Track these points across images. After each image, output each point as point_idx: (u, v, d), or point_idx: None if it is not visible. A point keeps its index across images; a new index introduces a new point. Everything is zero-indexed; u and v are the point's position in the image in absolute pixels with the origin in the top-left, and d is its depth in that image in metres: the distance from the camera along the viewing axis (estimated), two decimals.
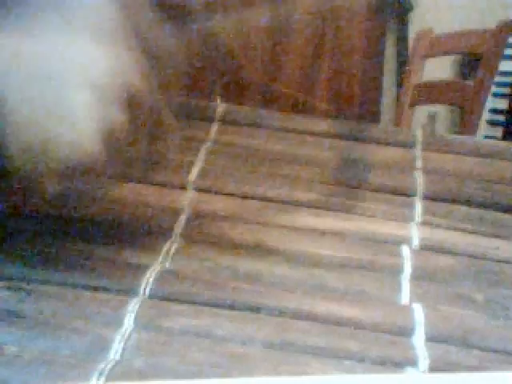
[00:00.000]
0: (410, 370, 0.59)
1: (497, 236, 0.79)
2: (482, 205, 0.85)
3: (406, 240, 0.77)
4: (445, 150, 0.93)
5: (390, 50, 2.08)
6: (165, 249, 0.72)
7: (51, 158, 0.64)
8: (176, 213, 0.78)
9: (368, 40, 1.75)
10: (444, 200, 0.85)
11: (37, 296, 0.63)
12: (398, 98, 1.83)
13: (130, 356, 0.58)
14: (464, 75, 2.13)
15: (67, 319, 0.61)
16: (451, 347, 0.62)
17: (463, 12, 2.13)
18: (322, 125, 0.96)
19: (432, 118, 2.06)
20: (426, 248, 0.77)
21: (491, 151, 0.94)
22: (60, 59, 0.62)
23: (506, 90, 2.11)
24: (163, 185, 0.83)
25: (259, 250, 0.74)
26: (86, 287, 0.65)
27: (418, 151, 0.93)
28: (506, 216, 0.83)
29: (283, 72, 1.74)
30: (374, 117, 1.77)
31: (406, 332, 0.63)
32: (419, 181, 0.87)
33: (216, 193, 0.82)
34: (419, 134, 0.96)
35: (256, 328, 0.62)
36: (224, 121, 0.95)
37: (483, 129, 2.11)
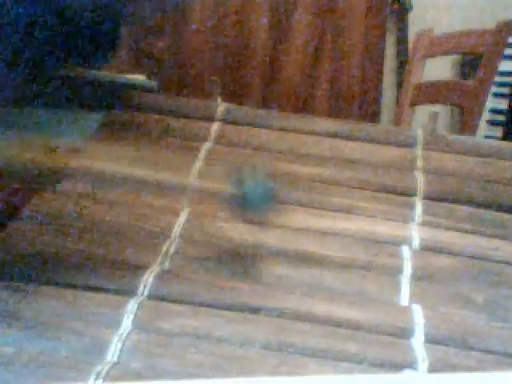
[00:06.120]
0: (408, 372, 0.59)
1: (497, 236, 0.79)
2: (483, 205, 0.84)
3: (406, 240, 0.77)
4: (445, 149, 0.93)
5: (390, 50, 2.07)
6: (164, 249, 0.71)
7: None
8: (175, 213, 0.77)
9: (368, 40, 1.75)
10: (444, 200, 0.85)
11: (35, 297, 0.63)
12: (397, 98, 1.83)
13: (127, 357, 0.58)
14: (464, 75, 2.13)
15: (65, 320, 0.61)
16: (450, 348, 0.62)
17: (463, 12, 2.12)
18: (322, 125, 0.96)
19: (434, 116, 2.05)
20: (426, 248, 0.76)
21: (491, 151, 0.94)
22: None
23: (506, 90, 2.11)
24: (163, 185, 0.82)
25: (259, 250, 0.74)
26: (84, 288, 0.65)
27: (418, 151, 0.92)
28: (506, 216, 0.83)
29: (283, 72, 1.74)
30: (374, 117, 1.77)
31: (405, 333, 0.63)
32: (419, 181, 0.87)
33: (216, 193, 0.82)
34: (419, 133, 0.95)
35: (255, 329, 0.62)
36: (224, 120, 0.94)
37: (483, 129, 2.10)
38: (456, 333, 0.63)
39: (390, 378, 0.58)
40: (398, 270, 0.72)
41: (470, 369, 0.59)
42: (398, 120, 1.63)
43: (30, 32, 0.81)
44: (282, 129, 0.94)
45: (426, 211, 0.82)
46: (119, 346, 0.58)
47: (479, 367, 0.59)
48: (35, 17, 0.80)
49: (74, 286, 0.66)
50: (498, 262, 0.75)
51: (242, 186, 0.70)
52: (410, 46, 1.89)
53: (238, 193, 0.70)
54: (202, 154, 0.88)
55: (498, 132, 2.15)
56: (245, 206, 0.71)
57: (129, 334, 0.60)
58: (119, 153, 0.86)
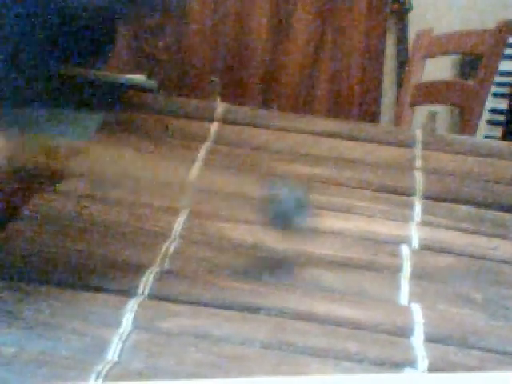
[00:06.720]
0: (408, 371, 0.59)
1: (496, 236, 0.79)
2: (482, 205, 0.84)
3: (406, 240, 0.77)
4: (445, 149, 0.93)
5: (390, 50, 2.07)
6: (164, 249, 0.72)
7: None
8: (175, 213, 0.78)
9: (368, 40, 1.75)
10: (444, 200, 0.85)
11: (36, 296, 0.63)
12: (397, 98, 1.83)
13: (128, 357, 0.58)
14: (464, 75, 2.13)
15: (66, 320, 0.61)
16: (450, 347, 0.62)
17: (463, 12, 2.13)
18: (322, 125, 0.96)
19: (432, 116, 2.06)
20: (426, 248, 0.76)
21: (491, 151, 0.94)
22: None
23: (506, 90, 2.11)
24: (163, 185, 0.83)
25: (259, 250, 0.74)
26: (84, 287, 0.65)
27: (417, 151, 0.92)
28: (506, 216, 0.83)
29: (283, 72, 1.74)
30: (374, 117, 1.77)
31: (405, 332, 0.63)
32: (419, 180, 0.87)
33: (216, 193, 0.82)
34: (419, 133, 0.96)
35: (255, 328, 0.62)
36: (224, 120, 0.95)
37: (483, 129, 2.10)
38: (456, 332, 0.63)
39: (390, 377, 0.58)
40: (398, 270, 0.72)
41: (469, 368, 0.59)
42: (398, 120, 1.63)
43: (29, 31, 0.81)
44: (282, 129, 0.94)
45: (425, 211, 0.82)
46: (120, 345, 0.58)
47: (479, 366, 0.59)
48: (33, 16, 0.80)
49: (74, 286, 0.66)
50: (498, 261, 0.75)
51: (278, 198, 0.70)
52: (410, 46, 1.89)
53: (272, 204, 0.70)
54: (202, 153, 0.88)
55: (498, 132, 2.15)
56: (279, 217, 0.70)
57: (129, 333, 0.60)
58: (119, 153, 0.86)
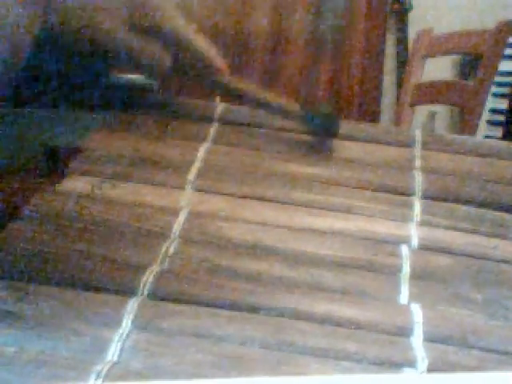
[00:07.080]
0: (408, 371, 0.59)
1: (496, 236, 0.79)
2: (482, 204, 0.84)
3: (405, 240, 0.77)
4: (444, 149, 0.93)
5: (390, 50, 2.08)
6: (164, 249, 0.72)
7: None
8: (175, 213, 0.78)
9: (368, 40, 1.75)
10: (443, 200, 0.85)
11: (35, 296, 0.63)
12: (398, 98, 1.83)
13: (128, 357, 0.58)
14: (464, 75, 2.13)
15: (66, 320, 0.61)
16: (450, 347, 0.62)
17: (463, 12, 2.13)
18: None
19: (432, 116, 2.06)
20: (425, 248, 0.76)
21: (491, 151, 0.94)
22: None
23: (506, 90, 2.11)
24: (162, 185, 0.83)
25: (258, 250, 0.74)
26: (84, 287, 0.65)
27: (417, 151, 0.92)
28: (506, 216, 0.83)
29: (283, 72, 1.74)
30: (374, 117, 1.77)
31: (404, 332, 0.63)
32: (418, 180, 0.87)
33: (215, 193, 0.82)
34: (419, 133, 0.95)
35: (255, 328, 0.62)
36: (223, 121, 0.94)
37: (483, 129, 2.11)
38: (455, 331, 0.64)
39: (389, 377, 0.58)
40: (398, 269, 0.72)
41: (469, 368, 0.59)
42: (397, 120, 1.63)
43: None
44: (282, 129, 0.94)
45: (425, 211, 0.82)
46: (119, 345, 0.59)
47: (479, 366, 0.60)
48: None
49: (74, 286, 0.66)
50: (498, 261, 0.75)
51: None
52: (410, 46, 1.90)
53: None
54: (202, 153, 0.88)
55: (498, 132, 2.15)
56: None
57: (129, 333, 0.60)
58: (119, 153, 0.86)
